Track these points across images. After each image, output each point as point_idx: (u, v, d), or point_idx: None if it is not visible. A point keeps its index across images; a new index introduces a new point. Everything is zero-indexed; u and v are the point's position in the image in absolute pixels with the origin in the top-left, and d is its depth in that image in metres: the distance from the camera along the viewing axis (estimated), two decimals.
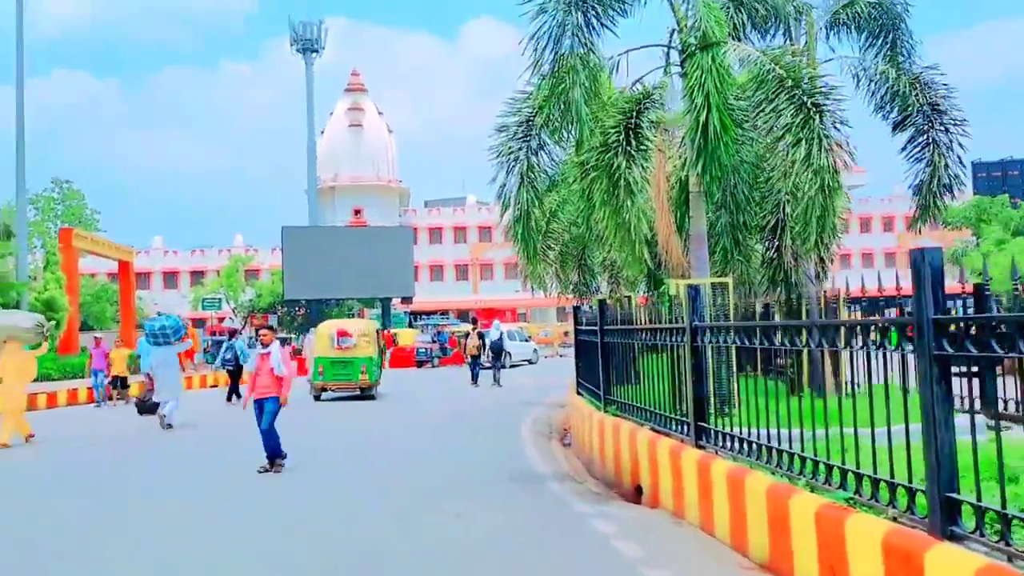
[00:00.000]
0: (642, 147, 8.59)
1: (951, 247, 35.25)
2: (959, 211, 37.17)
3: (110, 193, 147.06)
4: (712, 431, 6.48)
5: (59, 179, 54.99)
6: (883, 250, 71.68)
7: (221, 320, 56.33)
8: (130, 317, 35.38)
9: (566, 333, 27.00)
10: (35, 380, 14.54)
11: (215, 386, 27.60)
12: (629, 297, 12.46)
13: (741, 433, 6.02)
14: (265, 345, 9.90)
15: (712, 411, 6.62)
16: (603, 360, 9.31)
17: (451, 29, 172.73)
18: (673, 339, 7.13)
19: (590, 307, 12.45)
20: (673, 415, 7.25)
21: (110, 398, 20.54)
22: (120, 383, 20.72)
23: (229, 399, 18.97)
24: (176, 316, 16.20)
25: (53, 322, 20.90)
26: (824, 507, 4.50)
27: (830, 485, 4.76)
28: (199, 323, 57.37)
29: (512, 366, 32.26)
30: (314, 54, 66.24)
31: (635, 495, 7.56)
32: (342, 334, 19.77)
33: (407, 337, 39.55)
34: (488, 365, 24.18)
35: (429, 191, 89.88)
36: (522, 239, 9.72)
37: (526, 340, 37.17)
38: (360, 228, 63.10)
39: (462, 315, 66.96)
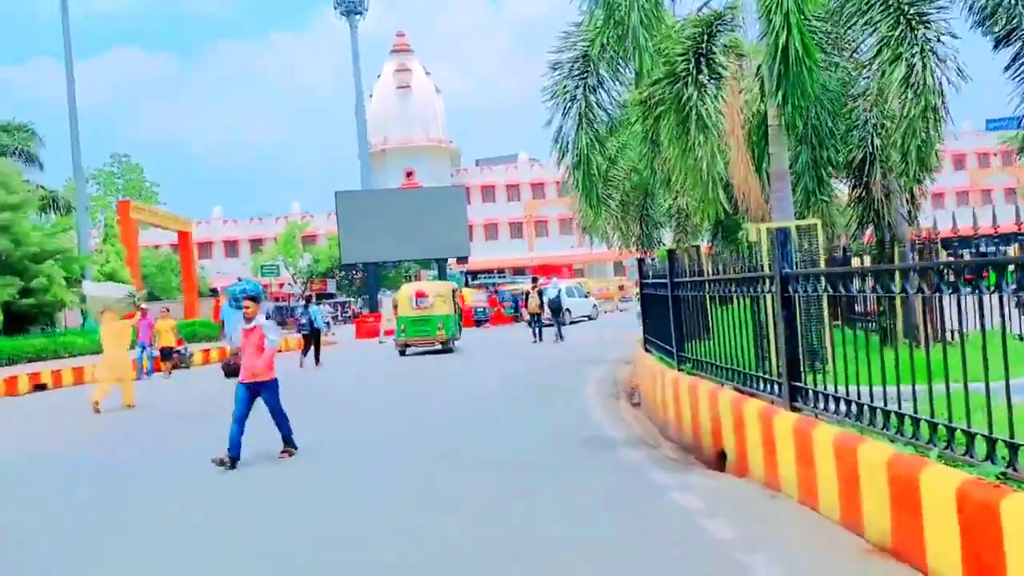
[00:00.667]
0: (715, 76, 7.67)
1: None
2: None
3: (169, 166, 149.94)
4: (809, 391, 5.69)
5: (118, 153, 55.95)
6: (953, 188, 68.41)
7: (280, 286, 56.95)
8: (192, 286, 35.79)
9: (621, 287, 26.39)
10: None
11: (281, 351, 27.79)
12: (697, 247, 11.56)
13: (845, 393, 5.23)
14: (248, 320, 8.43)
15: (804, 368, 5.85)
16: (675, 315, 8.54)
17: None
18: (759, 289, 6.33)
19: (654, 259, 11.64)
20: (760, 374, 6.48)
21: (158, 370, 20.56)
22: (168, 354, 20.80)
23: (303, 359, 19.95)
24: (256, 281, 16.56)
25: (144, 291, 21.21)
26: (968, 484, 3.73)
27: (972, 457, 3.97)
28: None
29: (572, 322, 31.67)
30: (358, 16, 65.60)
31: (718, 462, 6.85)
32: (420, 295, 22.19)
33: (466, 297, 39.19)
34: (549, 323, 24.48)
35: (480, 151, 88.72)
36: (582, 186, 8.94)
37: (585, 296, 36.46)
38: (412, 189, 62.73)
39: (518, 273, 66.51)
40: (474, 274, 62.39)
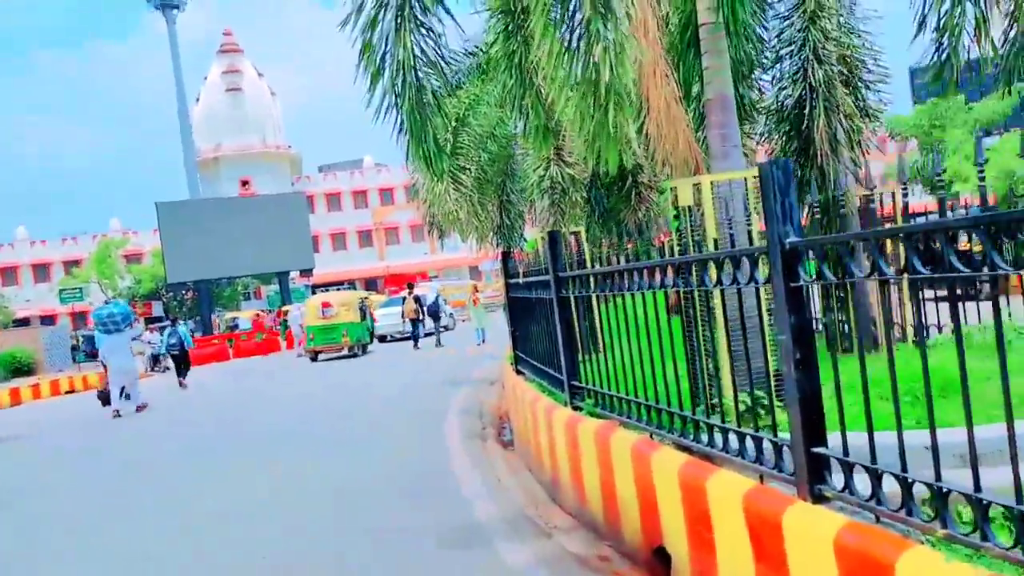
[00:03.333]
0: None
1: (911, 157, 33.05)
2: (907, 120, 35.12)
3: None
4: (835, 462, 3.11)
5: None
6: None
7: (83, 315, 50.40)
8: None
9: (476, 288, 24.71)
10: None
11: (71, 391, 23.19)
12: (576, 233, 8.97)
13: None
14: None
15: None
16: (564, 325, 5.88)
17: None
18: (737, 277, 3.73)
19: (525, 251, 8.98)
20: (736, 426, 3.88)
21: None
22: None
23: (181, 384, 19.91)
24: (124, 303, 16.98)
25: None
26: None
27: None
28: (79, 317, 51.40)
29: (427, 334, 28.86)
30: (175, 10, 59.67)
31: (654, 564, 4.21)
32: (326, 305, 24.15)
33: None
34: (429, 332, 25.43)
35: (323, 158, 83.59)
36: (421, 156, 6.15)
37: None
38: (246, 198, 57.70)
39: (369, 284, 62.72)
40: (322, 287, 57.90)
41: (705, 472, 3.67)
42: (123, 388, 15.18)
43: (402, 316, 26.24)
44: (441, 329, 25.30)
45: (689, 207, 4.62)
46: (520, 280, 7.72)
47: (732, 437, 3.84)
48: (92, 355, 39.48)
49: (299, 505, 6.62)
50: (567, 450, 5.52)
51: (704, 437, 4.08)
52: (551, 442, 6.02)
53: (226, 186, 65.02)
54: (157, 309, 52.16)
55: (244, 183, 66.25)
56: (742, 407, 4.14)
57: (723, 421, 4.10)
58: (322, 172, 73.90)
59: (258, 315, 42.46)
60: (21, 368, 30.11)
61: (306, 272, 52.98)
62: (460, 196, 9.80)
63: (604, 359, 5.53)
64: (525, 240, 14.67)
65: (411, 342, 24.55)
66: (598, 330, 5.75)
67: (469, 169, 9.83)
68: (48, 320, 57.66)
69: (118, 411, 14.93)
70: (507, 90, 6.33)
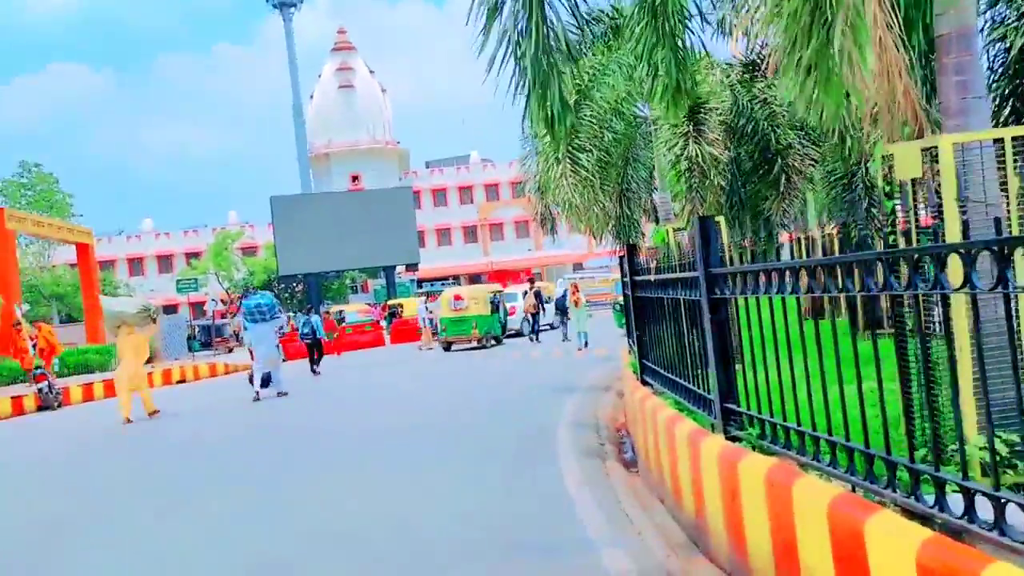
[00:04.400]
0: None
1: None
2: None
3: (108, 182, 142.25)
4: None
5: (28, 162, 50.61)
6: None
7: (225, 302, 52.01)
8: (94, 307, 30.97)
9: (577, 288, 23.00)
10: None
11: (182, 381, 23.46)
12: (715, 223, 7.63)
13: None
14: None
15: None
16: (716, 334, 4.76)
17: None
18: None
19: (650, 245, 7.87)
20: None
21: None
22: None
23: (314, 371, 20.56)
24: (270, 295, 17.78)
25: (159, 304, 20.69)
26: None
27: None
28: (198, 308, 53.29)
29: (540, 329, 28.07)
30: (292, 8, 61.11)
31: None
32: (457, 298, 25.14)
33: (411, 307, 35.07)
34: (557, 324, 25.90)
35: (430, 154, 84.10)
36: (543, 116, 5.12)
37: (548, 301, 32.66)
38: (355, 192, 58.46)
39: (473, 279, 62.54)
40: (427, 282, 58.07)
41: (787, 481, 2.50)
42: (266, 374, 15.92)
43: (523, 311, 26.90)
44: (567, 322, 25.19)
45: (914, 179, 3.41)
46: (651, 278, 6.61)
47: (984, 502, 2.66)
48: (206, 344, 40.78)
49: (406, 531, 5.75)
50: (721, 491, 4.39)
51: (947, 503, 2.89)
52: (695, 476, 4.89)
53: (337, 182, 66.25)
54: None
55: (354, 178, 67.35)
56: (1002, 454, 2.93)
57: (965, 476, 2.91)
58: (429, 168, 74.31)
59: (328, 314, 42.53)
60: None
61: (411, 267, 53.22)
62: (579, 181, 8.63)
63: (766, 377, 4.39)
64: (641, 235, 13.47)
65: (521, 337, 25.26)
66: (747, 339, 4.60)
67: (590, 151, 8.69)
68: (171, 309, 60.26)
69: (258, 395, 15.60)
70: (640, 41, 5.22)
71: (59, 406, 18.15)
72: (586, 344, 20.54)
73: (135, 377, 14.37)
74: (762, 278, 4.35)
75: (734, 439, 4.64)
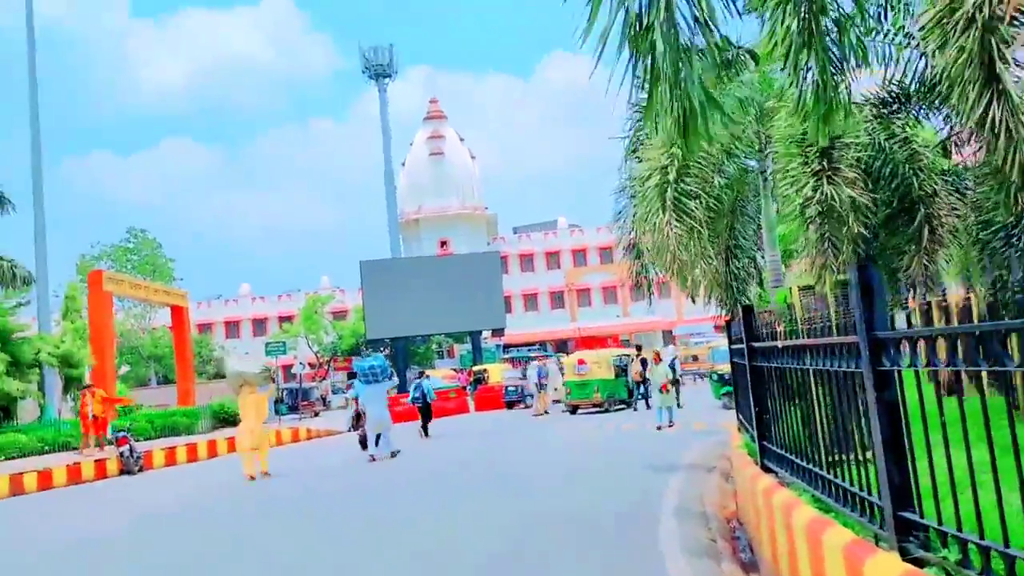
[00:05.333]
0: None
1: None
2: None
3: (210, 251, 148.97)
4: None
5: (135, 228, 53.06)
6: None
7: (287, 368, 52.42)
8: (186, 368, 31.48)
9: (658, 356, 20.81)
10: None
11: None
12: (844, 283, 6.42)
13: None
14: None
15: None
16: (886, 417, 3.63)
17: (527, 67, 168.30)
18: None
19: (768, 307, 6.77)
20: None
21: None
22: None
23: (424, 434, 20.91)
24: (382, 356, 18.56)
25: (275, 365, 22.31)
26: None
27: None
28: (288, 371, 53.98)
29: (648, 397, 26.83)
30: (387, 79, 63.02)
31: None
32: (581, 363, 25.66)
33: (496, 373, 34.16)
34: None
35: (517, 220, 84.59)
36: (672, 112, 4.11)
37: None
38: (443, 257, 58.69)
39: (560, 346, 61.37)
40: (512, 347, 57.23)
41: None
42: (378, 435, 16.18)
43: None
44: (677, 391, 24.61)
45: None
46: (779, 344, 5.50)
47: None
48: (293, 408, 40.87)
49: None
50: None
51: None
52: None
53: (426, 247, 66.92)
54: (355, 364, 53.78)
55: (442, 243, 67.91)
56: None
57: None
58: (517, 233, 74.37)
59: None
60: (227, 418, 31.08)
61: (498, 332, 52.57)
62: (685, 231, 7.51)
63: (949, 475, 3.23)
64: (746, 298, 12.23)
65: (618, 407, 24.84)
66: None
67: (699, 196, 7.61)
68: None
69: (374, 456, 15.76)
70: (782, 38, 4.24)
71: (140, 470, 17.88)
72: (671, 423, 18.09)
73: (256, 435, 14.68)
74: (941, 344, 3.26)
75: (916, 562, 3.45)
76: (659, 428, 17.62)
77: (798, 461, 5.51)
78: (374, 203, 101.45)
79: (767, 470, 6.48)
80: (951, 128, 9.05)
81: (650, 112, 4.26)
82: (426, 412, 21.49)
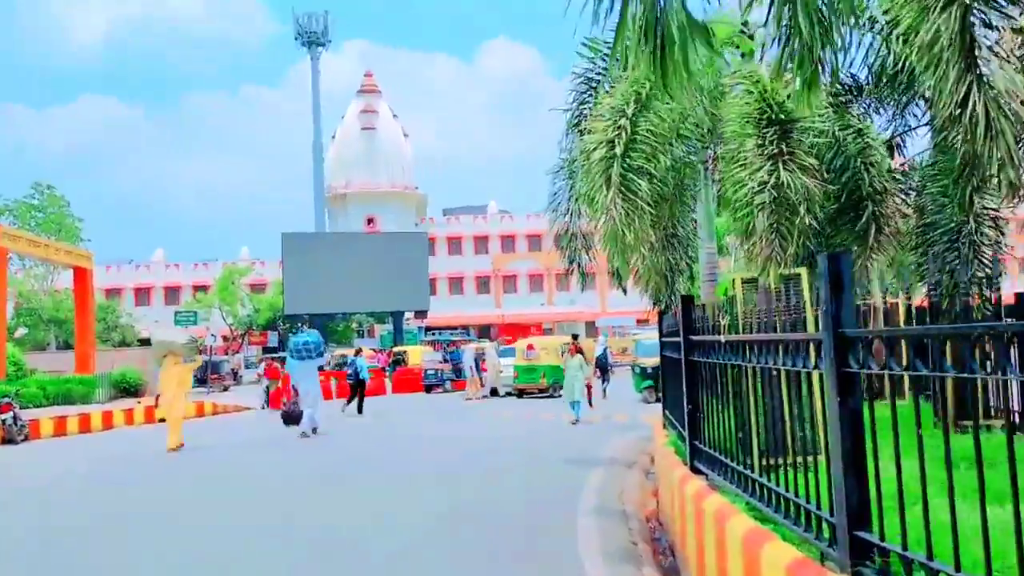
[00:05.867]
0: None
1: None
2: None
3: (129, 213, 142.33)
4: None
5: (41, 183, 49.89)
6: None
7: (227, 338, 50.34)
8: (86, 334, 29.62)
9: (577, 348, 19.65)
10: None
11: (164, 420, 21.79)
12: (792, 279, 6.01)
13: None
14: None
15: None
16: (849, 435, 3.23)
17: (469, 51, 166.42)
18: None
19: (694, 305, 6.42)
20: None
21: None
22: None
23: (346, 406, 21.11)
24: (316, 332, 17.89)
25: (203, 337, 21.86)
26: None
27: None
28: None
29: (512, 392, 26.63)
30: (320, 47, 61.07)
31: None
32: (530, 348, 25.79)
33: (416, 356, 33.41)
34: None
35: (448, 203, 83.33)
36: (647, 48, 3.54)
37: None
38: (369, 235, 57.40)
39: (483, 331, 60.94)
40: (434, 330, 56.43)
41: None
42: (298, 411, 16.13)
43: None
44: (607, 381, 25.21)
45: None
46: (722, 338, 5.08)
47: None
48: (201, 381, 39.14)
49: None
50: None
51: None
52: None
53: (353, 223, 65.33)
54: (273, 340, 52.06)
55: (370, 221, 66.46)
56: None
57: None
58: (446, 216, 73.42)
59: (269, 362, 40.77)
60: (129, 389, 29.48)
61: (421, 314, 51.79)
62: (631, 209, 7.01)
63: (900, 491, 2.85)
64: (676, 293, 11.93)
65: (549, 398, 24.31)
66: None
67: (647, 176, 7.07)
68: None
69: (306, 432, 15.53)
70: None
71: (24, 439, 16.59)
72: (578, 419, 16.86)
73: (175, 407, 14.39)
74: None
75: None
76: (574, 423, 16.60)
77: (733, 465, 5.13)
78: (302, 176, 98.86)
79: (697, 472, 6.10)
80: (894, 129, 8.88)
81: (620, 40, 3.71)
82: (359, 389, 21.38)
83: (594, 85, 8.58)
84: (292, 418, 16.57)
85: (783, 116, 5.35)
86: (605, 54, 8.23)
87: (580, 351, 18.71)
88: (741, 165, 5.70)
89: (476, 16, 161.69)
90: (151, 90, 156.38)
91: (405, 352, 34.62)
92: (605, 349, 26.26)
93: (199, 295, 56.22)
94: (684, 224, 9.55)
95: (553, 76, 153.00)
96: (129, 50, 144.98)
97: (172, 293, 67.64)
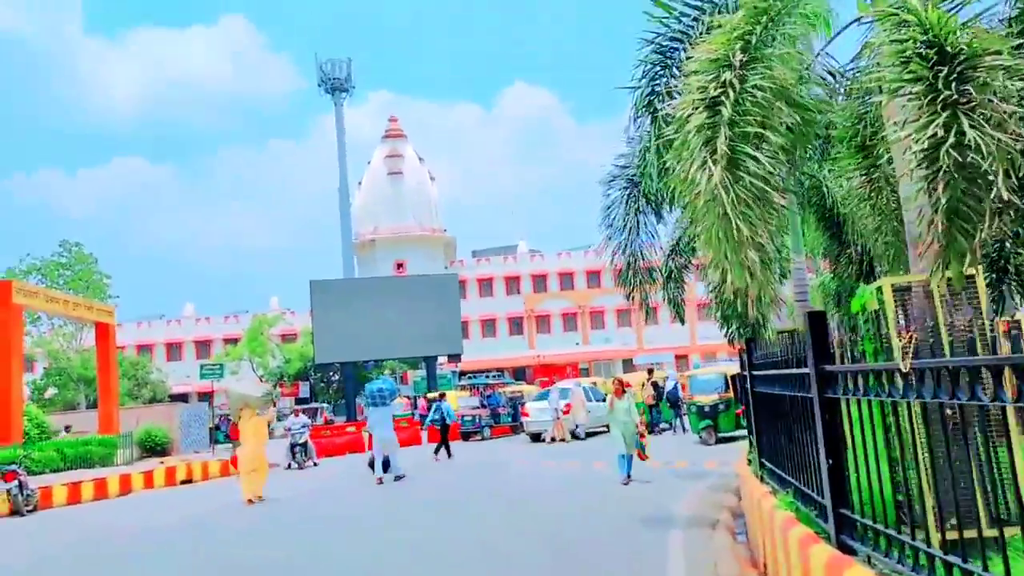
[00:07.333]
0: None
1: None
2: None
3: (160, 270, 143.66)
4: None
5: (68, 242, 49.62)
6: None
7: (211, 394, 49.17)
8: (109, 392, 28.47)
9: (624, 387, 14.47)
10: None
11: (188, 481, 20.40)
12: (971, 279, 4.39)
13: None
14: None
15: None
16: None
17: (488, 96, 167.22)
18: None
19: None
20: None
21: None
22: None
23: (436, 453, 21.01)
24: (391, 380, 18.73)
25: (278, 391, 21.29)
26: None
27: None
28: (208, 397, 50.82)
29: (589, 433, 24.77)
30: (344, 94, 60.82)
31: None
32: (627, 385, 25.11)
33: (452, 401, 31.82)
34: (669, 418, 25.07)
35: (476, 245, 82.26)
36: None
37: (602, 400, 29.28)
38: (397, 278, 56.35)
39: (517, 373, 59.26)
40: (468, 374, 54.80)
41: None
42: (386, 458, 16.39)
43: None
44: (680, 415, 24.68)
45: None
46: (902, 366, 3.54)
47: None
48: (230, 437, 37.76)
49: None
50: None
51: None
52: None
53: (382, 268, 64.52)
54: (304, 391, 50.82)
55: (399, 265, 65.62)
56: None
57: None
58: (476, 257, 72.34)
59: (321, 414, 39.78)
60: (154, 448, 28.27)
61: (454, 358, 50.23)
62: (746, 191, 5.07)
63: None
64: (762, 318, 10.34)
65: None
66: None
67: (763, 144, 5.18)
68: (205, 397, 57.82)
69: (381, 479, 15.73)
70: None
71: (33, 510, 15.27)
72: (629, 476, 13.21)
73: (254, 457, 14.69)
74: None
75: None
76: (625, 483, 12.95)
77: (895, 535, 3.54)
78: (330, 225, 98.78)
79: (846, 550, 4.50)
80: None
81: None
82: (444, 434, 21.50)
83: (669, 54, 7.15)
84: (369, 464, 16.96)
85: (960, 50, 3.87)
86: (683, 13, 6.85)
87: (625, 390, 14.10)
88: (902, 121, 4.14)
89: (492, 63, 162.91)
90: (180, 149, 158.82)
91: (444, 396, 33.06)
92: (676, 384, 25.57)
93: (229, 348, 55.36)
94: (770, 231, 7.94)
95: (572, 116, 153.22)
96: (159, 112, 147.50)
97: (203, 347, 67.04)
